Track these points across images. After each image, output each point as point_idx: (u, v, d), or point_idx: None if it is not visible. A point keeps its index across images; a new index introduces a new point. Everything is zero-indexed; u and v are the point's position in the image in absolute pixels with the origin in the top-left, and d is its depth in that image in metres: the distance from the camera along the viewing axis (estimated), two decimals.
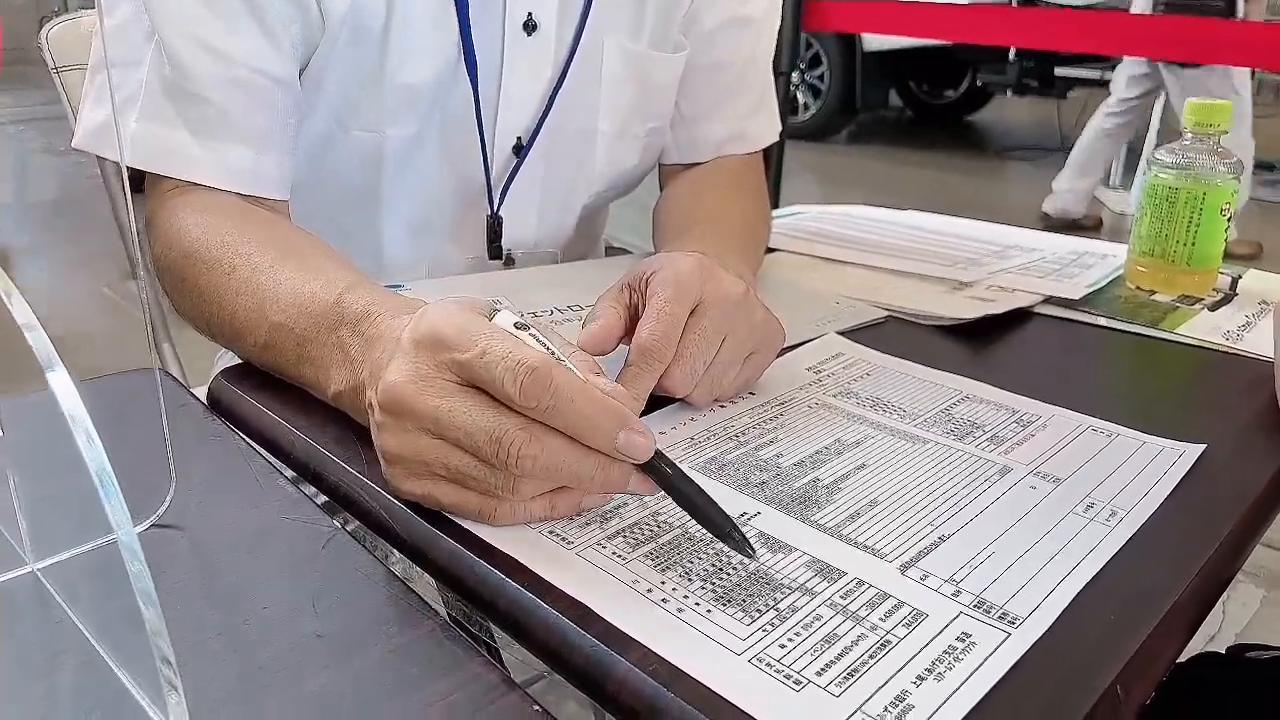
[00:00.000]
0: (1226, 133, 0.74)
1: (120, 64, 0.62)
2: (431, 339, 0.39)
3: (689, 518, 0.40)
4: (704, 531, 0.40)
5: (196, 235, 0.59)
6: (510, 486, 0.39)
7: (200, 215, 0.60)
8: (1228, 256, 0.78)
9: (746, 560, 0.38)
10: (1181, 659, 0.64)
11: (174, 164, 0.62)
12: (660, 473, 0.39)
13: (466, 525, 0.40)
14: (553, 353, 0.40)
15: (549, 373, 0.37)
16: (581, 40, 0.74)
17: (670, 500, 0.40)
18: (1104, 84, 5.05)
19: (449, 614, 0.42)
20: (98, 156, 0.83)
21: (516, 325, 0.40)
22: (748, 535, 0.38)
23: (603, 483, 0.39)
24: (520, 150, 0.76)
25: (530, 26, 0.72)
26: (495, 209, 0.77)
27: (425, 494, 0.40)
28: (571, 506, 0.41)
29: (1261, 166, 4.11)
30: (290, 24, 0.64)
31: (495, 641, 0.55)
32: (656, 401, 0.50)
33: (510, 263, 0.81)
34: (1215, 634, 1.46)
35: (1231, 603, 1.56)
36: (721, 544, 0.39)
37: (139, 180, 0.70)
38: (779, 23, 0.86)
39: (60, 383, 0.24)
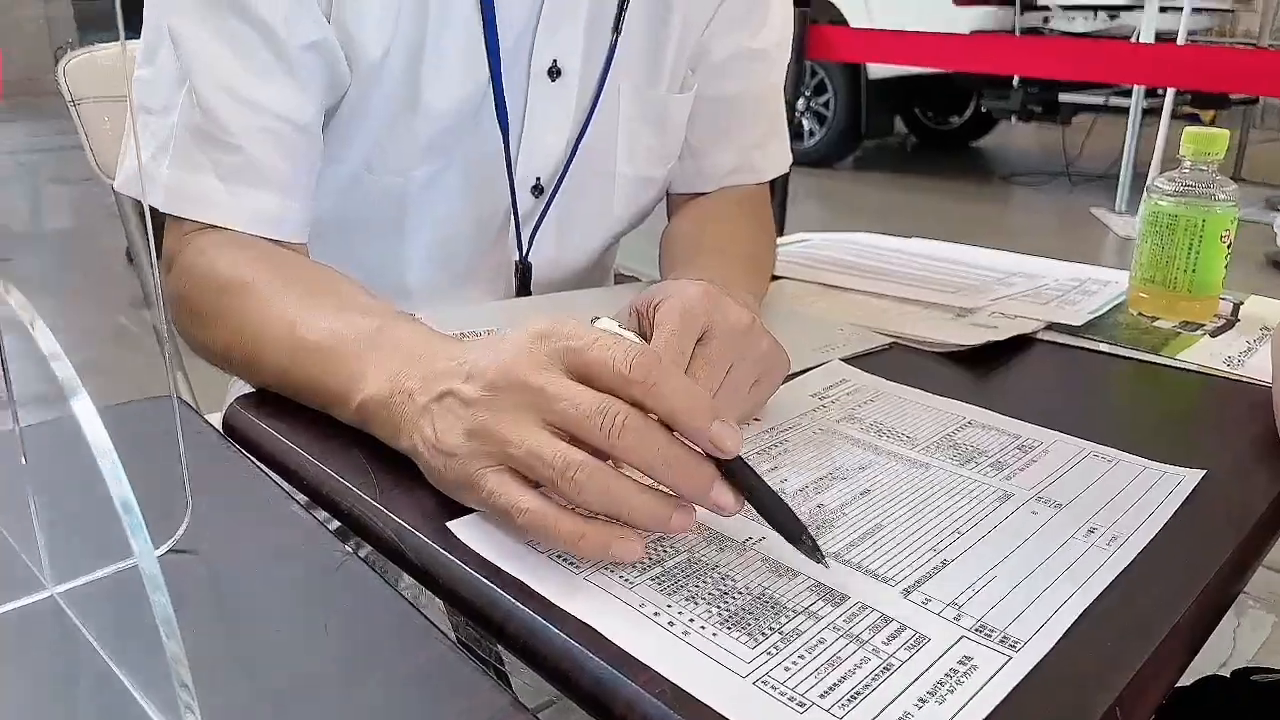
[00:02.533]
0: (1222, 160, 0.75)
1: (155, 111, 0.64)
2: (548, 331, 0.42)
3: (694, 544, 0.41)
4: (709, 556, 0.41)
5: (226, 267, 0.60)
6: (576, 479, 0.38)
7: (229, 251, 0.62)
8: None
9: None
10: (1186, 682, 0.64)
11: (201, 209, 0.64)
12: (739, 474, 0.40)
13: (475, 548, 0.40)
14: None
15: (656, 357, 0.40)
16: (605, 87, 0.75)
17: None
18: (1109, 109, 5.07)
19: (458, 638, 0.42)
20: (113, 189, 0.85)
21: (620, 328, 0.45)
22: (761, 557, 0.40)
23: (688, 474, 0.39)
24: (538, 192, 0.77)
25: (554, 73, 0.73)
26: (525, 254, 0.78)
27: (480, 478, 0.41)
28: (599, 544, 0.39)
29: None
30: (318, 74, 0.65)
31: (504, 665, 0.55)
32: None
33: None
34: (1226, 659, 1.46)
35: (1242, 628, 1.55)
36: (727, 563, 0.40)
37: (157, 216, 0.72)
38: (789, 56, 0.87)
39: (84, 411, 0.24)
